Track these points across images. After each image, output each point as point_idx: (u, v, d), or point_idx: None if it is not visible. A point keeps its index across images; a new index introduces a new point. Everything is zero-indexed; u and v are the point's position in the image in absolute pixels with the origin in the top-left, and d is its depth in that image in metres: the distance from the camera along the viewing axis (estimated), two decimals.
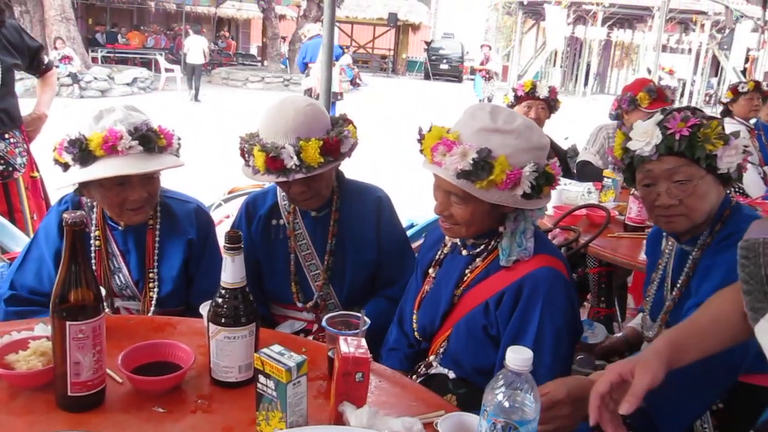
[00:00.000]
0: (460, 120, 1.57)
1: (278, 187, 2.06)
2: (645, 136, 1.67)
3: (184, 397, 1.35)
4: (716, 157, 1.61)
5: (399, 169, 8.33)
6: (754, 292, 0.85)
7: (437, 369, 1.69)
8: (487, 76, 15.91)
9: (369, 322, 1.43)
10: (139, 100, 15.07)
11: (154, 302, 1.90)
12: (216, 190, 4.11)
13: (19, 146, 3.18)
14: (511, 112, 1.56)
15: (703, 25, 24.41)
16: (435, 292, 1.73)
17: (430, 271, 1.77)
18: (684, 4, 22.10)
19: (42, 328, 1.47)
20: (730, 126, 1.87)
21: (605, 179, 3.23)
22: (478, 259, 1.64)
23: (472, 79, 19.26)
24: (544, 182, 1.52)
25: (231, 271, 1.37)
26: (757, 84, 5.01)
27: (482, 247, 1.64)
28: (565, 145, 4.41)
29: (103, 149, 1.69)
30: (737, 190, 3.80)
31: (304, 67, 10.40)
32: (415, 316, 1.77)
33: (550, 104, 3.96)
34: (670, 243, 1.85)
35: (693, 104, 13.85)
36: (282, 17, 24.33)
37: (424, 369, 1.72)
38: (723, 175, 1.63)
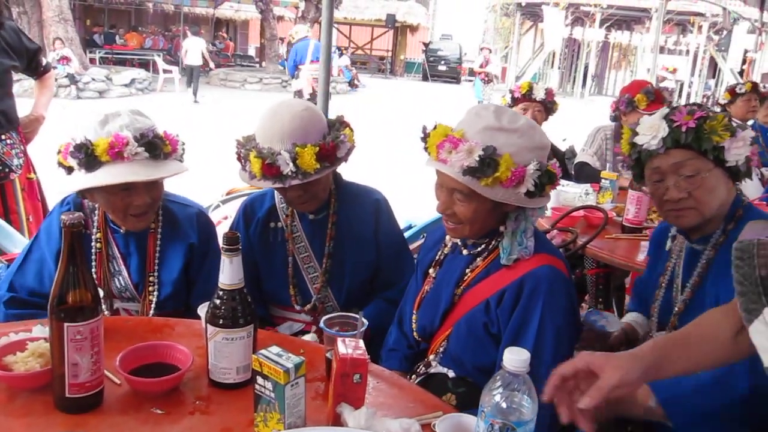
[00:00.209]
0: (464, 119, 1.57)
1: (276, 192, 2.06)
2: (651, 129, 1.67)
3: (182, 399, 1.35)
4: (723, 149, 1.60)
5: (397, 170, 8.34)
6: (748, 293, 0.85)
7: (437, 368, 1.70)
8: (486, 78, 15.88)
9: (367, 323, 1.43)
10: (137, 101, 15.06)
11: (153, 305, 1.90)
12: (214, 191, 4.11)
13: (15, 147, 3.18)
14: (514, 112, 1.58)
15: (700, 27, 24.48)
16: (435, 291, 1.74)
17: (431, 271, 1.78)
18: (681, 6, 22.16)
19: (40, 330, 1.47)
20: None
21: (603, 180, 3.23)
22: (478, 259, 1.65)
23: (470, 81, 19.27)
24: (546, 181, 1.53)
25: (229, 273, 1.37)
26: (755, 85, 5.02)
27: (483, 246, 1.65)
28: (562, 147, 4.42)
29: (108, 155, 1.68)
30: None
31: (294, 69, 10.36)
32: (414, 316, 1.77)
33: (547, 106, 3.97)
34: (678, 244, 1.83)
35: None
36: (280, 18, 24.34)
37: (423, 368, 1.72)
38: (731, 168, 1.63)
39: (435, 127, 1.57)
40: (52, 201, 3.33)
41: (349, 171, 2.08)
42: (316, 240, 2.04)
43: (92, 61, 18.47)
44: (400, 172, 8.10)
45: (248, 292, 1.41)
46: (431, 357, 1.72)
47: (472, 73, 19.46)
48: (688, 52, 24.72)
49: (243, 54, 30.27)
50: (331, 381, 1.27)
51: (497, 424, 1.05)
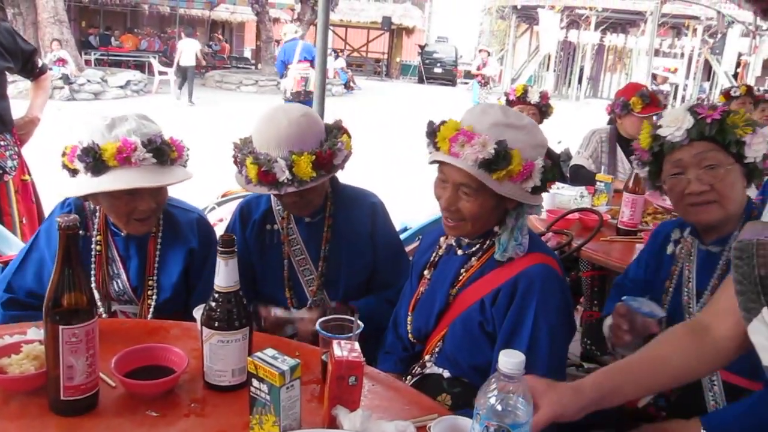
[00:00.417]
0: (469, 116, 1.59)
1: (272, 196, 2.06)
2: (676, 122, 1.69)
3: (178, 401, 1.35)
4: (744, 145, 1.63)
5: (392, 172, 8.35)
6: (747, 292, 0.86)
7: (432, 369, 1.70)
8: (483, 81, 15.84)
9: (362, 325, 1.43)
10: (133, 102, 15.04)
11: (152, 309, 1.89)
12: (209, 194, 4.10)
13: (9, 149, 3.17)
14: (517, 111, 1.63)
15: (695, 30, 24.57)
16: (430, 293, 1.74)
17: (426, 272, 1.79)
18: (676, 9, 22.22)
19: (35, 332, 1.47)
20: None
21: (598, 183, 3.24)
22: (473, 258, 1.66)
23: (466, 83, 19.22)
24: (549, 177, 1.56)
25: (224, 275, 1.37)
26: (749, 89, 5.05)
27: (477, 246, 1.66)
28: (558, 149, 4.43)
29: (116, 160, 1.68)
30: None
31: (283, 69, 10.43)
32: (409, 318, 1.78)
33: (542, 110, 3.98)
34: (686, 247, 1.82)
35: None
36: (276, 20, 24.32)
37: (418, 369, 1.73)
38: (749, 166, 1.66)
39: (444, 122, 1.59)
40: (48, 203, 3.33)
41: (344, 173, 2.08)
42: (312, 243, 2.04)
43: (87, 62, 18.44)
44: (396, 175, 8.12)
45: (245, 293, 1.41)
46: (426, 358, 1.72)
47: (468, 75, 19.41)
48: (682, 55, 24.80)
49: (239, 56, 30.23)
50: (326, 383, 1.27)
51: (492, 426, 1.05)
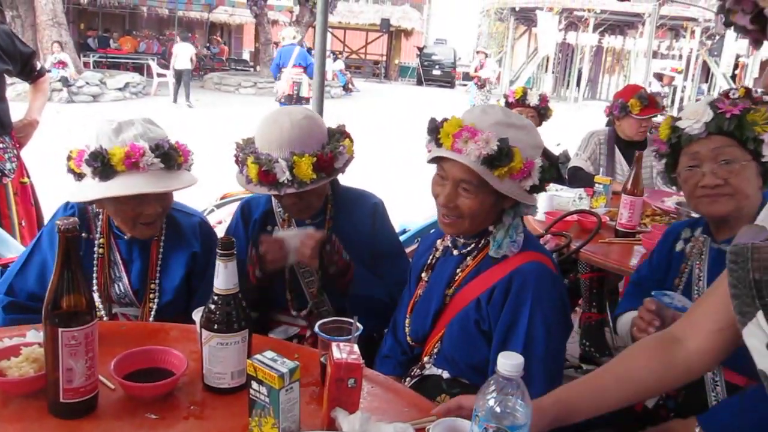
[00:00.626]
0: (470, 116, 1.60)
1: (272, 197, 2.06)
2: (695, 115, 1.71)
3: (177, 404, 1.35)
4: (762, 143, 1.65)
5: (391, 174, 8.35)
6: (742, 296, 0.86)
7: (431, 370, 1.70)
8: (480, 83, 15.71)
9: (361, 328, 1.43)
10: (131, 105, 15.04)
11: (153, 312, 1.89)
12: (208, 196, 4.10)
13: (8, 152, 3.17)
14: (516, 113, 1.63)
15: (693, 32, 24.60)
16: (427, 295, 1.75)
17: (423, 275, 1.79)
18: (674, 11, 22.24)
19: (34, 335, 1.47)
20: None
21: (596, 185, 3.25)
22: (468, 258, 1.67)
23: (465, 85, 19.15)
24: (547, 177, 1.58)
25: (224, 278, 1.38)
26: (748, 91, 5.05)
27: (472, 246, 1.67)
28: (556, 151, 4.43)
29: (124, 164, 1.68)
30: None
31: (278, 71, 10.67)
32: (407, 321, 1.78)
33: (541, 112, 3.99)
34: (697, 246, 1.83)
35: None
36: (275, 23, 24.35)
37: (417, 371, 1.73)
38: (766, 165, 1.67)
39: (446, 119, 1.60)
40: (47, 206, 3.33)
41: (344, 175, 2.08)
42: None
43: (86, 65, 18.42)
44: (395, 176, 8.12)
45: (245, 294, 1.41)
46: (425, 359, 1.72)
47: (466, 77, 19.34)
48: (680, 56, 24.84)
49: (237, 58, 30.25)
50: (325, 386, 1.27)
51: (491, 428, 1.05)
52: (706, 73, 25.47)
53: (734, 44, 21.53)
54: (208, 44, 27.57)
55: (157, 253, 1.91)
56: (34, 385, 1.31)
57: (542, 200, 3.11)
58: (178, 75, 15.82)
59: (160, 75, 17.72)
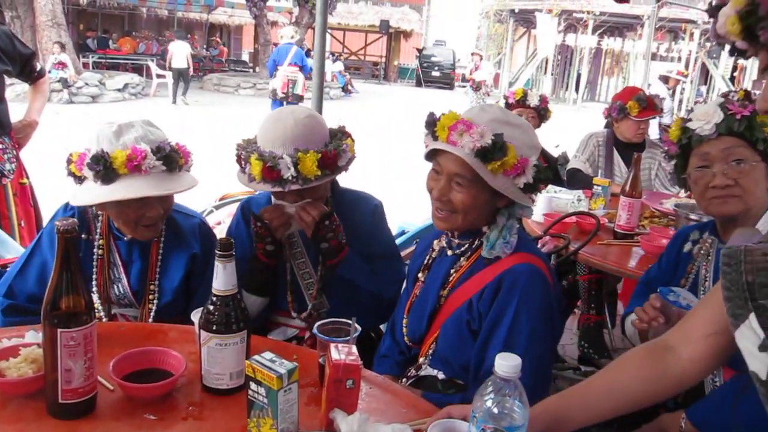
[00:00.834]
0: (469, 113, 1.61)
1: (273, 197, 2.06)
2: (705, 116, 1.73)
3: (176, 404, 1.35)
4: None
5: (390, 175, 8.35)
6: (735, 298, 0.86)
7: (427, 371, 1.71)
8: (475, 86, 15.54)
9: (360, 329, 1.44)
10: (130, 106, 15.04)
11: (153, 313, 1.90)
12: (207, 197, 4.10)
13: (7, 152, 3.17)
14: (516, 113, 1.64)
15: (692, 34, 24.62)
16: (423, 295, 1.76)
17: (420, 275, 1.80)
18: (673, 13, 22.27)
19: (33, 335, 1.47)
20: None
21: (595, 187, 3.25)
22: (462, 258, 1.68)
23: (464, 87, 19.08)
24: (542, 177, 1.58)
25: (222, 279, 1.38)
26: (747, 93, 5.06)
27: (466, 246, 1.68)
28: (555, 153, 4.44)
29: (127, 167, 1.68)
30: None
31: (274, 69, 10.80)
32: (405, 321, 1.79)
33: (540, 113, 4.00)
34: (704, 247, 1.85)
35: (683, 112, 13.91)
36: (274, 24, 24.37)
37: (414, 371, 1.73)
38: None
39: (445, 114, 1.62)
40: (46, 206, 3.33)
41: (343, 175, 2.08)
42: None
43: (85, 65, 18.40)
44: (394, 177, 8.12)
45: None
46: (421, 360, 1.73)
47: (465, 79, 19.29)
48: (679, 59, 24.85)
49: (237, 59, 30.25)
50: (324, 387, 1.27)
51: (489, 429, 1.05)
52: (705, 75, 25.49)
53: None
54: (207, 46, 27.54)
55: (157, 254, 1.91)
56: (33, 386, 1.31)
57: (541, 202, 3.12)
58: (176, 74, 15.86)
59: (159, 76, 17.72)
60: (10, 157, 3.18)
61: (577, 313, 3.54)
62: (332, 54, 24.34)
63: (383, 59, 33.68)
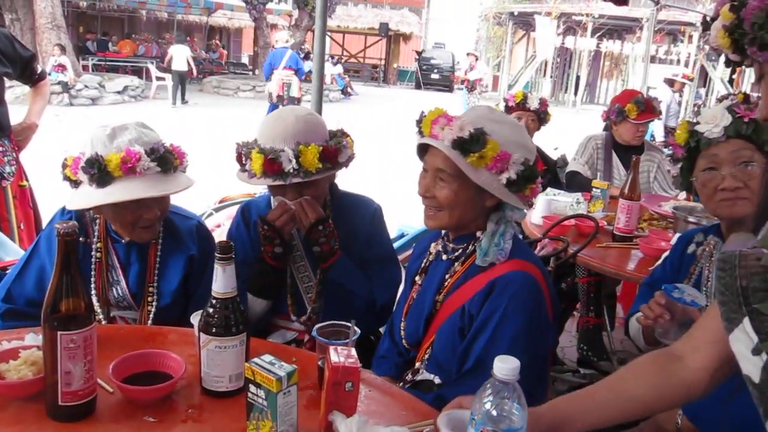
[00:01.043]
0: (459, 113, 1.64)
1: (272, 198, 2.07)
2: (714, 119, 1.76)
3: (175, 407, 1.35)
4: None
5: (389, 178, 8.36)
6: (729, 303, 0.87)
7: (423, 375, 1.70)
8: (470, 86, 15.42)
9: (359, 332, 1.44)
10: (130, 108, 15.04)
11: (151, 315, 1.90)
12: (207, 199, 4.11)
13: (7, 155, 3.17)
14: (516, 116, 1.65)
15: (691, 37, 24.65)
16: (420, 299, 1.75)
17: (417, 278, 1.80)
18: (672, 16, 22.29)
19: (33, 338, 1.47)
20: None
21: (594, 189, 3.26)
22: (456, 263, 1.67)
23: (462, 89, 19.09)
24: (529, 174, 1.56)
25: (222, 282, 1.38)
26: (746, 96, 5.06)
27: (460, 251, 1.67)
28: (554, 156, 4.45)
29: (121, 170, 1.68)
30: None
31: (270, 72, 10.98)
32: (402, 324, 1.79)
33: (540, 116, 4.00)
34: (708, 249, 1.86)
35: (682, 114, 13.92)
36: (273, 26, 24.35)
37: (410, 376, 1.73)
38: None
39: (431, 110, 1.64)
40: (45, 209, 3.33)
41: (342, 178, 2.09)
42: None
43: (85, 68, 18.40)
44: (393, 180, 8.12)
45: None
46: (418, 364, 1.73)
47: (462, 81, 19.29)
48: (678, 61, 24.88)
49: (236, 62, 30.27)
50: (323, 389, 1.27)
51: (488, 431, 1.06)
52: (704, 78, 25.51)
53: None
54: (207, 49, 27.54)
55: (155, 256, 1.91)
56: (33, 388, 1.31)
57: (540, 204, 3.12)
58: (177, 75, 15.92)
59: (158, 78, 17.73)
60: (9, 159, 3.18)
61: (576, 316, 3.54)
62: (332, 57, 24.36)
63: (383, 62, 33.71)
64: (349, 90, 23.09)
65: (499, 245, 1.58)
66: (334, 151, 1.86)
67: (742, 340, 0.84)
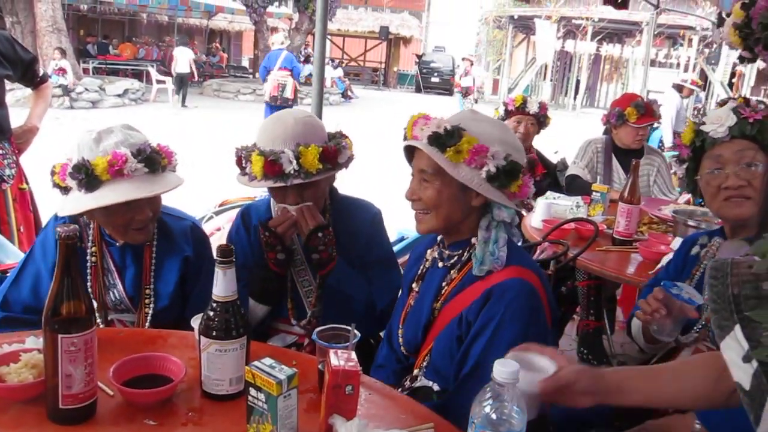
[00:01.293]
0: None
1: (272, 201, 2.07)
2: (719, 119, 1.78)
3: (175, 410, 1.35)
4: None
5: (389, 181, 8.35)
6: (721, 310, 0.87)
7: (422, 382, 1.70)
8: (464, 92, 15.29)
9: (359, 335, 1.44)
10: (130, 111, 15.05)
11: (149, 317, 1.90)
12: (207, 203, 4.11)
13: (7, 158, 3.18)
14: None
15: (690, 40, 24.69)
16: (417, 306, 1.74)
17: (414, 285, 1.79)
18: (672, 20, 22.31)
19: (33, 341, 1.47)
20: None
21: (594, 193, 3.26)
22: (453, 271, 1.66)
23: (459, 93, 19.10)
24: (510, 168, 1.54)
25: (222, 285, 1.38)
26: (747, 101, 5.07)
27: (456, 258, 1.66)
28: (554, 159, 4.46)
29: (109, 173, 1.68)
30: None
31: (266, 74, 11.04)
32: (400, 330, 1.78)
33: (540, 120, 4.00)
34: (711, 251, 1.86)
35: (681, 117, 13.90)
36: (274, 30, 24.32)
37: (409, 383, 1.73)
38: None
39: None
40: (45, 212, 3.34)
41: (341, 181, 2.09)
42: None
43: (85, 71, 18.41)
44: (393, 183, 8.12)
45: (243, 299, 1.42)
46: (416, 371, 1.72)
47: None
48: (678, 65, 24.90)
49: (236, 65, 30.30)
50: (323, 392, 1.27)
51: None
52: (704, 81, 25.55)
53: (732, 53, 21.60)
54: (207, 53, 27.55)
55: (150, 258, 1.91)
56: (33, 391, 1.31)
57: (540, 208, 3.13)
58: (179, 78, 15.95)
59: (159, 81, 17.74)
60: (9, 162, 3.19)
61: (576, 319, 3.54)
62: (332, 60, 24.37)
63: (383, 65, 33.73)
64: (349, 93, 23.09)
65: (494, 254, 1.56)
66: (334, 151, 1.87)
67: (733, 347, 0.84)
